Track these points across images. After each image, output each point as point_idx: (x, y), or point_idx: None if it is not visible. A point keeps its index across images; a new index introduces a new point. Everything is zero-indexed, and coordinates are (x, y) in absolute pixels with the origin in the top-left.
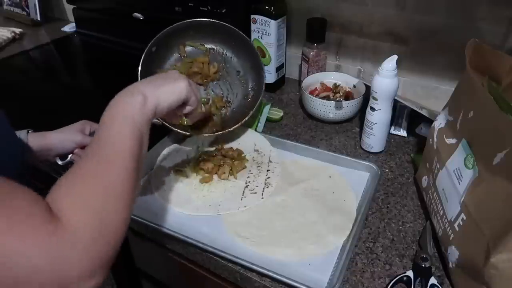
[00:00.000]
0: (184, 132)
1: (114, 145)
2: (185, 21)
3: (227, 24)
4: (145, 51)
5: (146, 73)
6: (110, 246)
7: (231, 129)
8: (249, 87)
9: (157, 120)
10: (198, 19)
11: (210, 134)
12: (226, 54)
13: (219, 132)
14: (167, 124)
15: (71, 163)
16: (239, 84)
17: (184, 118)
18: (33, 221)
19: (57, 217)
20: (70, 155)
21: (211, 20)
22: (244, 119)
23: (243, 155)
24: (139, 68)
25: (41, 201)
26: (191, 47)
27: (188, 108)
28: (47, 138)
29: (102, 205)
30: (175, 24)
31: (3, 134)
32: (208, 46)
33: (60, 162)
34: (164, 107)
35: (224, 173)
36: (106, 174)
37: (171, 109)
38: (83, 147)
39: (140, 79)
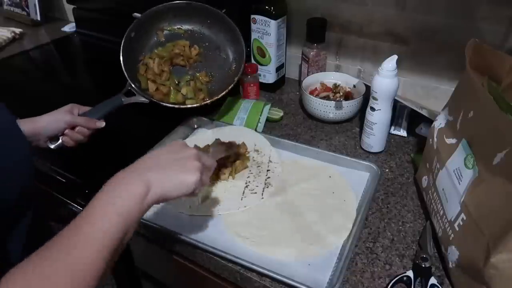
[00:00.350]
0: (172, 106)
1: (93, 238)
2: (160, 5)
3: (200, 4)
4: (124, 37)
5: (129, 61)
6: None
7: (219, 96)
8: (231, 58)
9: (144, 99)
10: (173, 2)
11: (200, 104)
12: (204, 33)
13: (208, 101)
14: (155, 100)
15: (62, 146)
16: (221, 58)
17: (184, 90)
18: None
19: None
20: (61, 136)
21: (184, 1)
22: (230, 86)
23: (247, 153)
24: (121, 55)
25: None
26: (169, 31)
27: (188, 196)
28: (38, 122)
29: None
30: (151, 9)
31: (15, 135)
32: (185, 27)
33: (52, 146)
34: (166, 199)
35: (225, 174)
36: (64, 278)
37: (173, 199)
38: (73, 127)
39: (124, 67)
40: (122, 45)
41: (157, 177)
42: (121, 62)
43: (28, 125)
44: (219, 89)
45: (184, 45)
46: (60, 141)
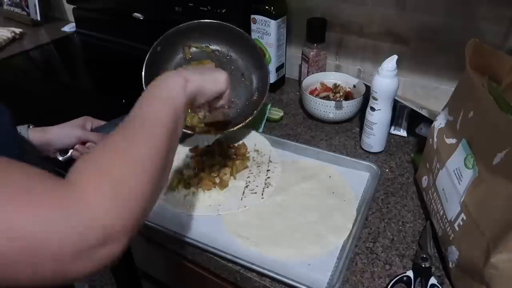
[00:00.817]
0: (186, 131)
1: (150, 123)
2: (191, 22)
3: (232, 26)
4: (150, 50)
5: (150, 75)
6: (131, 215)
7: (234, 129)
8: (254, 87)
9: None
10: (204, 20)
11: (212, 134)
12: (231, 56)
13: (221, 132)
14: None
15: (71, 159)
16: (244, 85)
17: (201, 113)
18: (31, 195)
19: (69, 187)
20: (71, 150)
21: (216, 21)
22: (249, 119)
23: (247, 153)
24: (143, 70)
25: (42, 174)
26: (196, 49)
27: (220, 102)
28: (48, 133)
29: (124, 175)
30: (180, 25)
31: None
32: (213, 47)
33: (60, 158)
34: (204, 94)
35: (226, 174)
36: (137, 147)
37: (209, 98)
38: (84, 142)
39: (144, 82)
40: (146, 60)
41: (193, 74)
42: (142, 77)
43: (39, 135)
44: (237, 118)
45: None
46: (69, 154)
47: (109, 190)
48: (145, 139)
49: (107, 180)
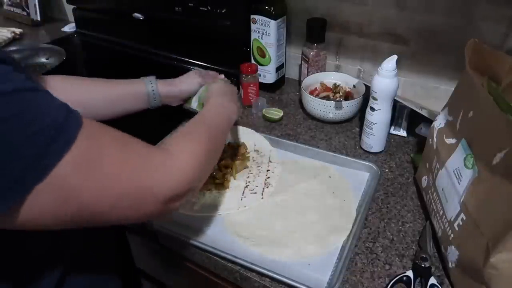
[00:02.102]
0: None
1: (220, 129)
2: None
3: None
4: None
5: None
6: (200, 181)
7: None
8: None
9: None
10: None
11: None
12: None
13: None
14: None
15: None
16: None
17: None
18: (145, 159)
19: (169, 155)
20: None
21: None
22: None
23: (246, 153)
24: None
25: (148, 146)
26: None
27: None
28: (176, 86)
29: (201, 154)
30: None
31: None
32: None
33: (189, 107)
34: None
35: (225, 174)
36: (213, 140)
37: None
38: None
39: None
40: None
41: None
42: None
43: (167, 88)
44: None
45: None
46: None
47: (193, 160)
48: (217, 137)
49: (193, 154)
